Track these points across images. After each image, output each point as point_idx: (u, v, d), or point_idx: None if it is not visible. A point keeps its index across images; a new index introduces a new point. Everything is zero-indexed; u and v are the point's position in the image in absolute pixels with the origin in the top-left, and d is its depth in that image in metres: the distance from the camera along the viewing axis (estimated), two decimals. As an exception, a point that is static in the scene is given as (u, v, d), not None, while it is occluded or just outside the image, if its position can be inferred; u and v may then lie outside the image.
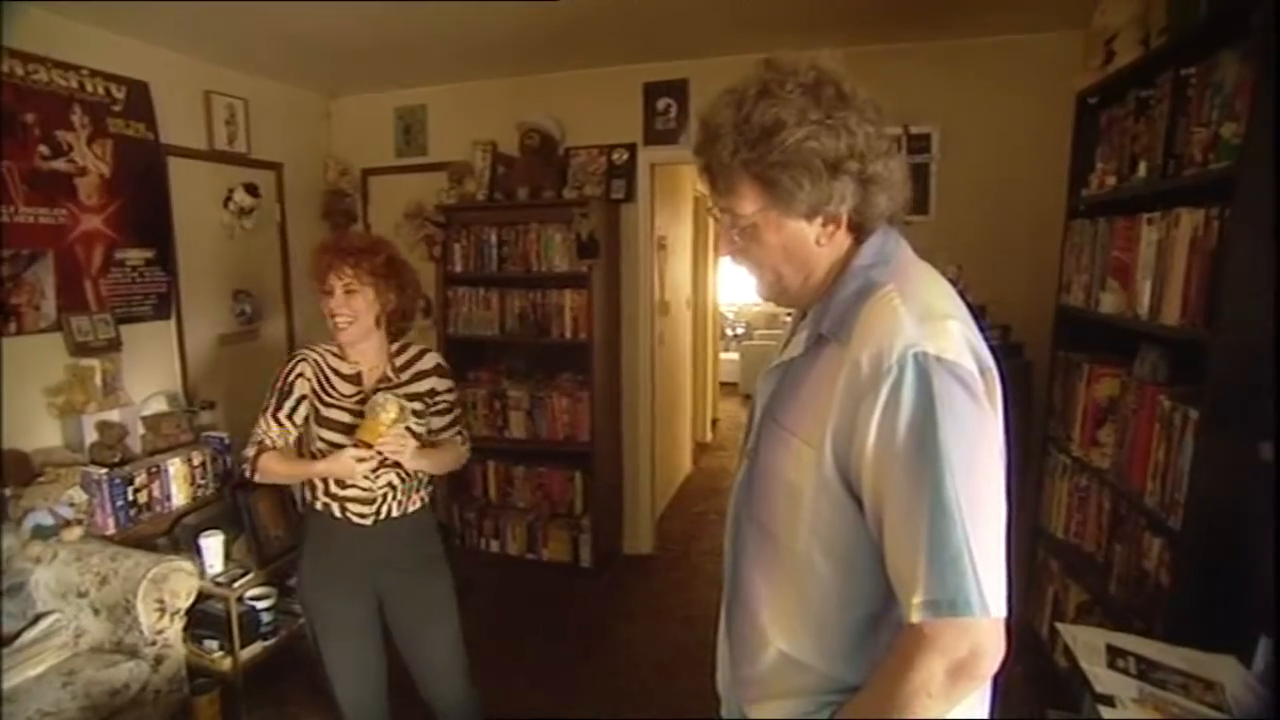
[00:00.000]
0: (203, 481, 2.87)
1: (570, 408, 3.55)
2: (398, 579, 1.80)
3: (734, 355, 8.23)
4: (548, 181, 3.53)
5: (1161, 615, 1.54)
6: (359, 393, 1.76)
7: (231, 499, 2.76)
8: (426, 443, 1.81)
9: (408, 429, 1.70)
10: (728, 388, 7.80)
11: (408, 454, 1.69)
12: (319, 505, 1.78)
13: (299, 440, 1.83)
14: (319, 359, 1.79)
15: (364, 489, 1.75)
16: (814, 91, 0.85)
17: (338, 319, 1.70)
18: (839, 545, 0.90)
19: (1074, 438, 2.07)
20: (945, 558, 0.78)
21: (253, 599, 2.62)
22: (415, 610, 1.83)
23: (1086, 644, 1.38)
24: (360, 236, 1.88)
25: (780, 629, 0.96)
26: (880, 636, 0.91)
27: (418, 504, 1.84)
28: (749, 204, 0.90)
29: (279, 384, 1.77)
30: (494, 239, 3.56)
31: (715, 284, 6.61)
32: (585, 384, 3.53)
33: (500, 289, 3.58)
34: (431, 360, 1.85)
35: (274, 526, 2.74)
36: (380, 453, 1.65)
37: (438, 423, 1.85)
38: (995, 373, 0.85)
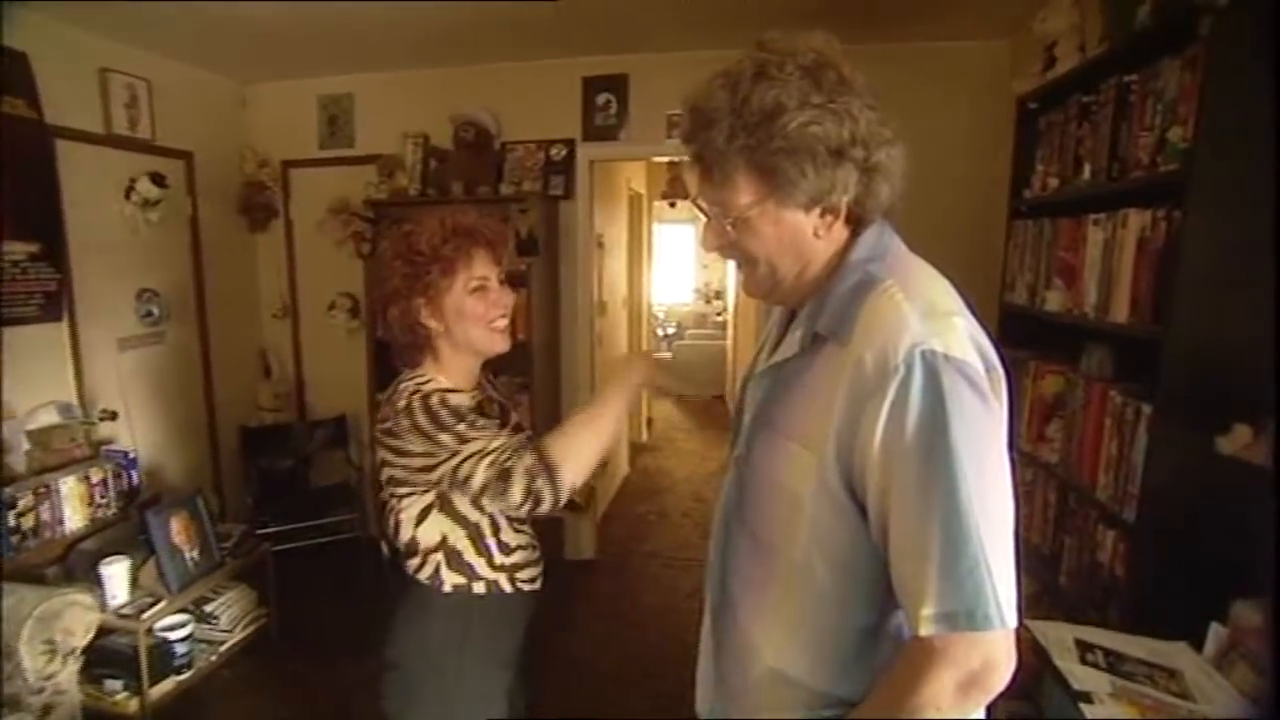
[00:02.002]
0: (103, 501, 2.59)
1: (510, 411, 3.41)
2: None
3: (666, 355, 8.25)
4: (484, 177, 3.40)
5: (1117, 605, 1.58)
6: (498, 425, 1.34)
7: (139, 519, 2.50)
8: None
9: None
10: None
11: None
12: (480, 588, 1.30)
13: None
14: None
15: (524, 544, 1.37)
16: (814, 74, 0.81)
17: (502, 318, 1.32)
18: (840, 554, 0.86)
19: (1021, 433, 2.12)
20: (962, 568, 0.75)
21: (165, 630, 2.39)
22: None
23: (1057, 640, 1.40)
24: (479, 214, 1.36)
25: (771, 643, 0.92)
26: (878, 648, 0.89)
27: None
28: (745, 194, 0.85)
29: (450, 414, 1.21)
30: (427, 236, 3.40)
31: (649, 283, 6.59)
32: (525, 386, 3.41)
33: (435, 288, 3.42)
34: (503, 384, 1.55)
35: (189, 547, 2.50)
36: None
37: None
38: (1000, 371, 0.82)
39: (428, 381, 1.29)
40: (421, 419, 1.20)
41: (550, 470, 1.18)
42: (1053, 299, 1.94)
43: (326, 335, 3.75)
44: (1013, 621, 0.76)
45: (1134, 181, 1.62)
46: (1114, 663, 1.34)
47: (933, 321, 0.79)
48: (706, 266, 9.90)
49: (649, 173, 5.93)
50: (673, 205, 4.72)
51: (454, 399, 1.25)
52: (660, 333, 9.11)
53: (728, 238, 0.89)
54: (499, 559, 1.31)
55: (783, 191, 0.83)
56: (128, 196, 3.01)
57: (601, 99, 3.45)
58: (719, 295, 9.66)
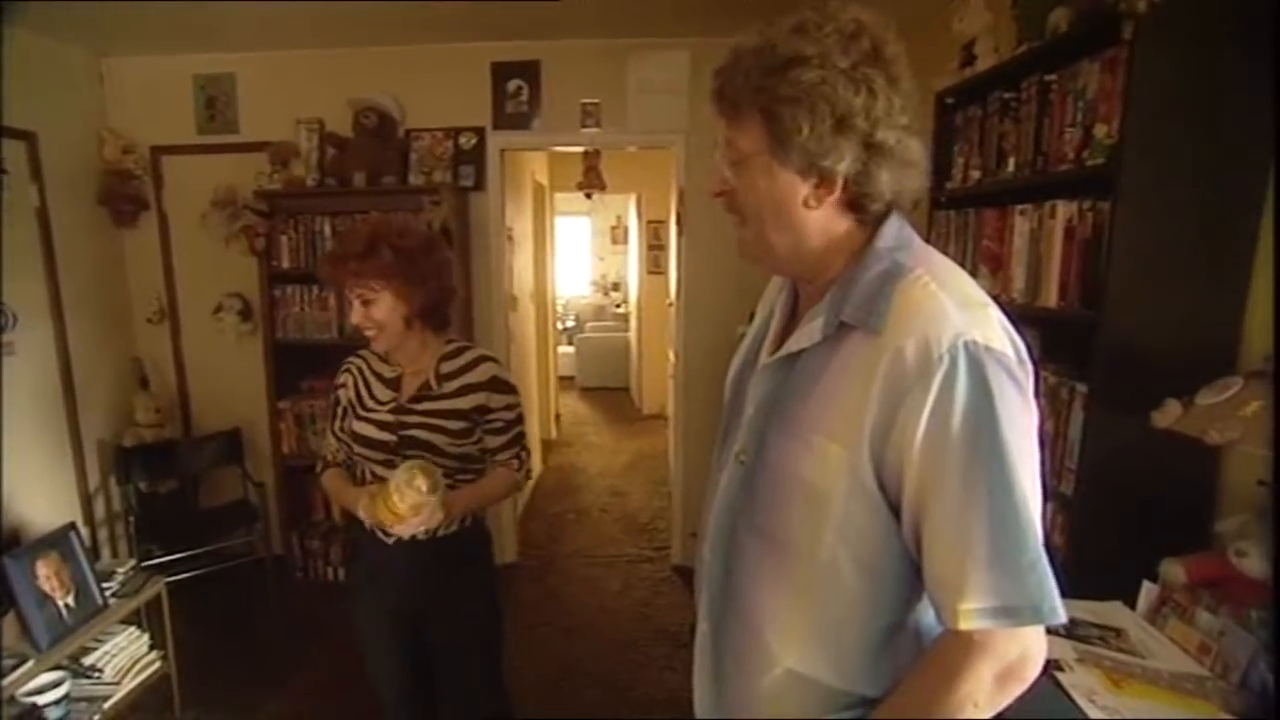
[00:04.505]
0: (-56, 546, 2.20)
1: (427, 416, 3.25)
2: (427, 604, 1.67)
3: (569, 349, 8.15)
4: (388, 166, 3.19)
5: (1057, 573, 1.69)
6: (394, 400, 1.63)
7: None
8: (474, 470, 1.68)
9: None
10: (564, 381, 7.72)
11: (439, 519, 1.52)
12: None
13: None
14: (363, 364, 1.70)
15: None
16: (848, 41, 0.79)
17: (365, 331, 1.59)
18: (869, 552, 0.85)
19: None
20: (1023, 562, 0.75)
21: (32, 694, 2.05)
22: (445, 640, 1.71)
23: (1018, 611, 1.47)
24: (361, 234, 1.57)
25: (790, 645, 0.90)
26: (899, 645, 0.89)
27: (454, 525, 1.66)
28: (747, 139, 0.84)
29: (334, 394, 1.72)
30: (328, 230, 3.14)
31: (554, 276, 6.47)
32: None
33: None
34: (487, 373, 1.65)
35: (62, 593, 2.17)
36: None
37: (492, 442, 1.67)
38: (1029, 363, 0.83)
39: (357, 362, 1.72)
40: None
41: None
42: (981, 285, 2.04)
43: (214, 340, 3.39)
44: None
45: (1060, 175, 1.72)
46: (1070, 628, 1.42)
47: (970, 312, 0.79)
48: (603, 259, 9.87)
49: (551, 163, 5.80)
50: (589, 197, 4.62)
51: (345, 379, 1.71)
52: (560, 326, 8.99)
53: (727, 182, 0.88)
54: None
55: (779, 143, 0.82)
56: (-45, 184, 2.57)
57: (512, 85, 3.31)
58: (616, 287, 9.65)
